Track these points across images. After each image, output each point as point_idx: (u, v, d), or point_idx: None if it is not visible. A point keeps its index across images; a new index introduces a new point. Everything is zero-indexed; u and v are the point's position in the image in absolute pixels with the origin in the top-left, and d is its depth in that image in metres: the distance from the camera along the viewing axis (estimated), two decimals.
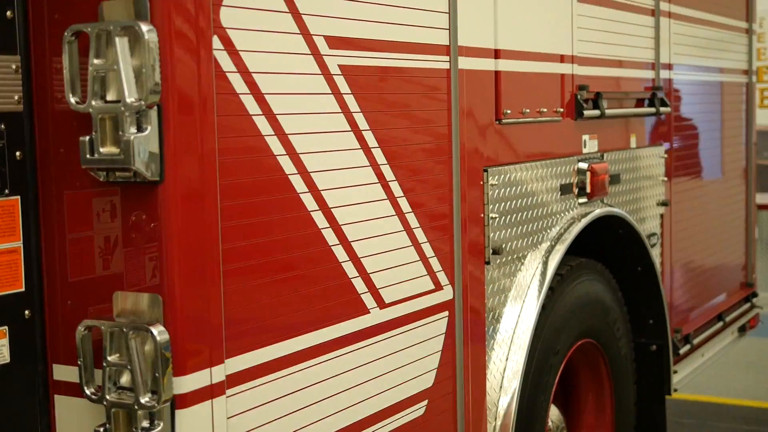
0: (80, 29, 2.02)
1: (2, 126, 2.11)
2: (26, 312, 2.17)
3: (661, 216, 4.55)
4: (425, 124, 2.85)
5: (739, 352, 6.61)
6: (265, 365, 2.28)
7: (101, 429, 2.08)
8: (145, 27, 1.97)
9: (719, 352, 5.42)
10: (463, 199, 2.99)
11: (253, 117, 2.23)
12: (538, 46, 3.45)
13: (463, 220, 3.00)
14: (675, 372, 4.57)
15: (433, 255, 2.87)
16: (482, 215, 3.12)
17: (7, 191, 2.12)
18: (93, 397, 2.09)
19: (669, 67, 4.59)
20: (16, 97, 2.14)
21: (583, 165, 3.74)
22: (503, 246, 3.22)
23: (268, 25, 2.28)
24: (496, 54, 3.16)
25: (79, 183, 2.13)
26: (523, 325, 3.27)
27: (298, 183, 2.36)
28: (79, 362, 2.10)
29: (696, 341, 5.00)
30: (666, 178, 4.57)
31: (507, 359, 3.23)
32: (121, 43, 1.98)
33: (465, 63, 2.98)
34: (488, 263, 3.15)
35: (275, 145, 2.29)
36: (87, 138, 2.02)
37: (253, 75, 2.22)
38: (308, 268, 2.41)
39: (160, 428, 2.03)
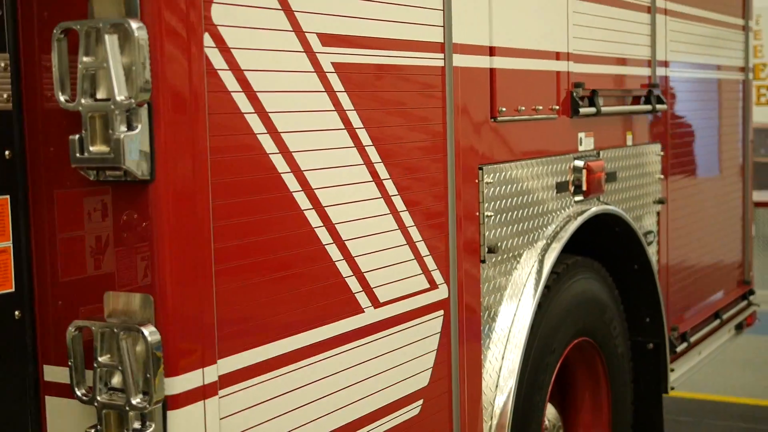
0: (69, 27, 2.00)
1: None
2: (16, 312, 2.15)
3: (658, 214, 4.54)
4: (420, 122, 2.83)
5: (736, 350, 6.61)
6: (258, 365, 2.26)
7: (92, 430, 2.06)
8: (134, 24, 1.95)
9: (716, 350, 5.41)
10: (458, 197, 2.97)
11: (245, 115, 2.21)
12: (534, 44, 3.43)
13: (458, 218, 2.98)
14: (672, 370, 4.56)
15: (428, 254, 2.85)
16: (477, 213, 3.10)
17: None
18: (84, 398, 2.07)
19: (665, 64, 4.57)
20: (5, 96, 2.12)
21: (579, 163, 3.72)
22: (499, 244, 3.20)
23: (261, 22, 2.26)
24: (491, 51, 3.14)
25: (69, 182, 2.11)
26: (519, 324, 3.26)
27: (291, 182, 2.34)
28: (69, 363, 2.08)
29: (693, 339, 4.99)
30: (662, 176, 4.56)
31: (503, 358, 3.21)
32: (110, 41, 1.96)
33: (460, 60, 2.96)
34: (484, 262, 3.13)
35: (268, 144, 2.27)
36: (77, 137, 2.00)
37: (245, 73, 2.20)
38: (302, 268, 2.39)
39: (151, 429, 2.01)
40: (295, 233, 2.37)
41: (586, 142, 3.83)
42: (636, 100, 4.33)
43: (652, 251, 4.37)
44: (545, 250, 3.45)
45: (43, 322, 2.18)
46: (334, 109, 2.48)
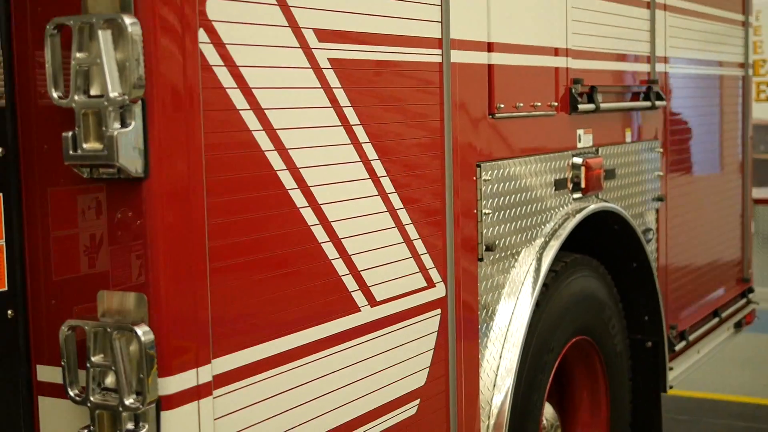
0: (62, 22, 1.98)
1: None
2: (9, 312, 2.12)
3: (657, 211, 4.52)
4: (417, 118, 2.80)
5: (735, 349, 6.59)
6: (253, 365, 2.23)
7: (85, 431, 2.04)
8: (128, 20, 1.92)
9: (715, 349, 5.39)
10: (455, 194, 2.95)
11: (240, 112, 2.19)
12: (532, 39, 3.41)
13: (456, 216, 2.96)
14: (671, 369, 4.54)
15: (425, 252, 2.83)
16: (475, 211, 3.08)
17: None
18: (77, 398, 2.04)
19: (665, 60, 4.55)
20: None
21: (578, 160, 3.70)
22: (497, 242, 3.18)
23: (256, 17, 2.24)
24: (489, 47, 3.12)
25: (63, 180, 2.09)
26: (516, 323, 3.24)
27: (286, 179, 2.32)
28: (62, 363, 2.05)
29: (692, 338, 4.97)
30: (662, 173, 4.54)
31: (500, 357, 3.19)
32: (104, 37, 1.93)
33: (457, 56, 2.94)
34: (481, 260, 3.11)
35: (263, 141, 2.25)
36: (70, 134, 1.97)
37: (241, 69, 2.18)
38: (297, 266, 2.37)
39: (145, 430, 1.99)
40: (291, 231, 2.34)
41: (585, 139, 3.81)
42: (635, 97, 4.31)
43: (650, 249, 4.35)
44: (543, 247, 3.43)
45: (36, 322, 2.15)
46: (330, 105, 2.46)
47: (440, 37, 2.87)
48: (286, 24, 2.31)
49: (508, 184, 3.24)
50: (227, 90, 2.15)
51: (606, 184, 3.93)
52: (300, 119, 2.36)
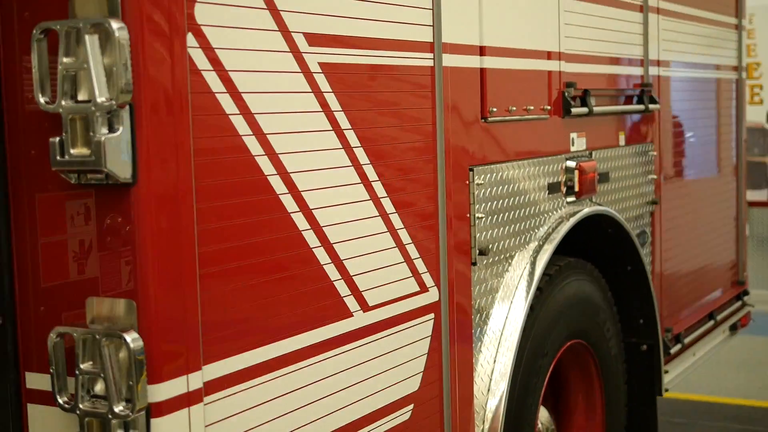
0: (49, 27, 1.96)
1: None
2: None
3: (651, 214, 4.51)
4: (409, 123, 2.79)
5: (730, 351, 6.58)
6: (244, 371, 2.22)
7: None
8: (115, 24, 1.91)
9: (710, 351, 5.38)
10: (448, 198, 2.94)
11: (230, 116, 2.18)
12: (525, 43, 3.40)
13: (449, 220, 2.95)
14: (666, 372, 4.53)
15: (418, 256, 2.82)
16: (468, 215, 3.07)
17: None
18: (66, 406, 2.03)
19: (658, 63, 4.54)
20: None
21: (571, 163, 3.69)
22: (490, 246, 3.17)
23: (246, 21, 2.22)
24: (482, 51, 3.11)
25: (51, 186, 2.07)
26: (510, 327, 3.22)
27: (277, 184, 2.30)
28: (51, 370, 2.04)
29: (687, 340, 4.96)
30: (655, 176, 4.53)
31: (495, 361, 3.18)
32: (90, 41, 1.92)
33: (449, 60, 2.93)
34: (475, 264, 3.10)
35: (253, 146, 2.24)
36: (57, 139, 1.96)
37: (230, 73, 2.17)
38: (288, 271, 2.36)
39: None
40: (282, 236, 2.33)
41: (579, 143, 3.80)
42: (628, 100, 4.30)
43: (645, 252, 4.34)
44: (537, 251, 3.42)
45: (25, 329, 2.13)
46: (321, 110, 2.44)
47: (432, 41, 2.86)
48: (276, 28, 2.30)
49: (501, 187, 3.23)
50: (216, 95, 2.14)
51: (600, 187, 3.92)
52: (290, 124, 2.35)
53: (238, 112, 2.19)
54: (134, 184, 1.96)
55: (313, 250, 2.42)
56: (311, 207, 2.40)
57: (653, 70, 4.48)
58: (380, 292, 2.66)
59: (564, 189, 3.66)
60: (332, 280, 2.49)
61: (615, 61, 4.18)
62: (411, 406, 2.81)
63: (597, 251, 4.05)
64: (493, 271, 3.22)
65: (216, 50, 2.13)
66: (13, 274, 2.13)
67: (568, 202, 3.68)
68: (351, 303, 2.55)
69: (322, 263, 2.45)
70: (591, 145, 3.89)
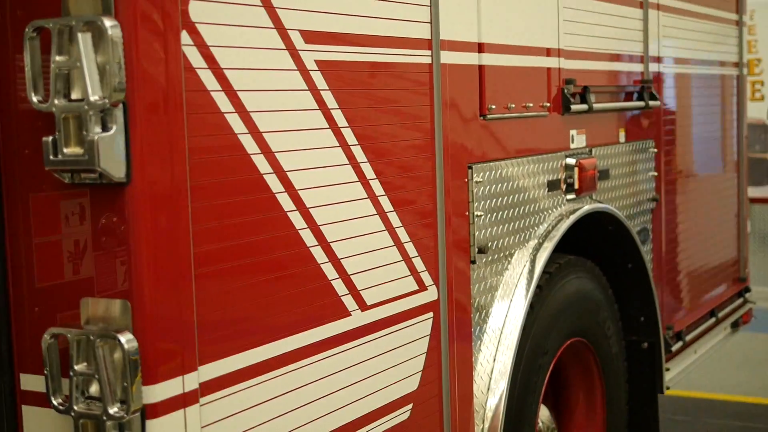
0: (42, 25, 1.94)
1: None
2: None
3: (652, 211, 4.49)
4: (407, 120, 2.77)
5: (732, 348, 6.55)
6: (241, 371, 2.20)
7: None
8: (108, 22, 1.89)
9: (712, 349, 5.36)
10: (447, 196, 2.92)
11: (225, 115, 2.16)
12: (524, 40, 3.37)
13: (448, 218, 2.93)
14: (667, 370, 4.51)
15: (417, 255, 2.80)
16: (467, 213, 3.05)
17: None
18: (60, 407, 2.01)
19: (658, 60, 4.52)
20: None
21: (571, 160, 3.67)
22: (489, 244, 3.15)
23: (241, 19, 2.20)
24: (480, 48, 3.09)
25: (45, 185, 2.06)
26: (510, 325, 3.20)
27: (273, 183, 2.28)
28: (45, 372, 2.02)
29: (688, 338, 4.94)
30: (656, 173, 4.51)
31: (494, 360, 3.16)
32: (83, 39, 1.90)
33: (447, 57, 2.91)
34: (474, 262, 3.08)
35: (249, 144, 2.22)
36: (50, 138, 1.94)
37: (225, 71, 2.15)
38: (285, 271, 2.34)
39: None
40: (279, 235, 2.31)
41: (578, 140, 3.78)
42: (629, 97, 4.28)
43: (645, 249, 4.32)
44: (537, 249, 3.40)
45: (19, 330, 2.12)
46: (318, 108, 2.42)
47: (429, 37, 2.84)
48: (272, 25, 2.28)
49: (500, 185, 3.21)
50: (211, 93, 2.12)
51: (600, 184, 3.90)
52: (287, 122, 2.33)
53: (233, 110, 2.17)
54: (128, 183, 1.94)
55: (310, 249, 2.40)
56: (308, 206, 2.38)
57: (653, 67, 4.46)
58: (378, 291, 2.65)
59: (564, 186, 3.64)
60: (330, 279, 2.47)
61: (615, 57, 4.15)
62: (410, 406, 2.79)
63: (597, 249, 4.03)
64: (493, 270, 3.21)
65: (211, 48, 2.11)
66: (7, 274, 2.11)
67: (568, 200, 3.66)
68: (349, 302, 2.53)
69: (319, 262, 2.43)
70: (591, 142, 3.87)
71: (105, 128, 1.92)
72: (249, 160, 2.22)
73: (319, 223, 2.42)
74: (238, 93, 2.18)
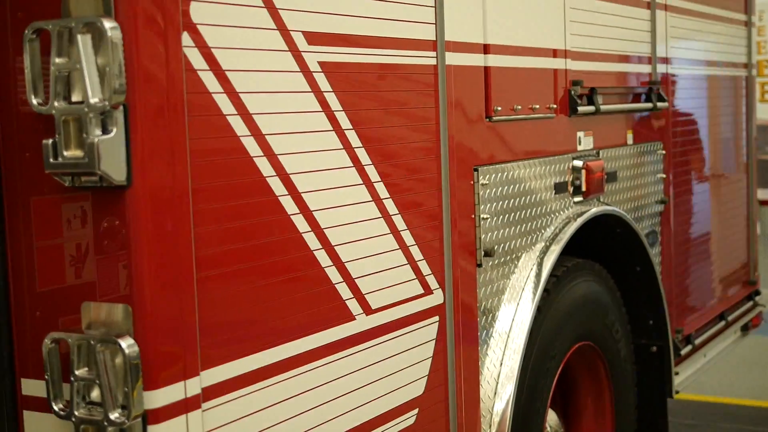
0: (41, 27, 1.93)
1: None
2: None
3: (660, 214, 4.45)
4: (412, 122, 2.75)
5: (742, 352, 6.51)
6: (243, 376, 2.18)
7: None
8: (108, 24, 1.87)
9: (722, 352, 5.32)
10: (452, 199, 2.90)
11: (227, 117, 2.14)
12: (530, 41, 3.35)
13: (453, 221, 2.90)
14: (677, 373, 4.48)
15: (422, 258, 2.77)
16: (473, 216, 3.02)
17: None
18: (61, 413, 1.99)
19: (666, 61, 4.49)
20: None
21: (578, 163, 3.64)
22: (496, 247, 3.12)
23: (243, 20, 2.18)
24: (486, 49, 3.06)
25: (46, 189, 2.04)
26: (517, 329, 3.18)
27: (276, 185, 2.26)
28: (46, 377, 2.00)
29: (698, 341, 4.90)
30: (664, 175, 4.48)
31: (501, 364, 3.13)
32: (83, 41, 1.88)
33: (453, 59, 2.88)
34: (480, 265, 3.05)
35: (252, 147, 2.19)
36: (50, 141, 1.92)
37: (227, 73, 2.13)
38: (289, 274, 2.31)
39: None
40: (282, 239, 2.29)
41: (585, 142, 3.75)
42: (636, 98, 4.25)
43: (654, 252, 4.29)
44: (544, 252, 3.37)
45: (21, 334, 2.10)
46: (321, 109, 2.40)
47: (434, 39, 2.82)
48: (274, 27, 2.26)
49: (506, 188, 3.19)
50: (213, 95, 2.10)
51: (608, 187, 3.88)
52: (290, 124, 2.30)
53: (235, 112, 2.15)
54: (129, 186, 1.92)
55: (314, 252, 2.38)
56: (312, 208, 2.36)
57: (661, 68, 4.43)
58: (383, 295, 2.62)
59: (571, 189, 3.61)
60: (334, 282, 2.45)
61: (622, 58, 4.12)
62: (416, 411, 2.76)
63: (605, 252, 4.00)
64: (499, 273, 3.18)
65: (212, 49, 2.09)
66: (8, 278, 2.09)
67: (575, 202, 3.63)
68: (353, 306, 2.51)
69: (323, 266, 2.41)
70: (598, 144, 3.84)
71: (105, 131, 1.90)
72: (251, 163, 2.20)
73: (322, 226, 2.39)
74: (241, 95, 2.16)
